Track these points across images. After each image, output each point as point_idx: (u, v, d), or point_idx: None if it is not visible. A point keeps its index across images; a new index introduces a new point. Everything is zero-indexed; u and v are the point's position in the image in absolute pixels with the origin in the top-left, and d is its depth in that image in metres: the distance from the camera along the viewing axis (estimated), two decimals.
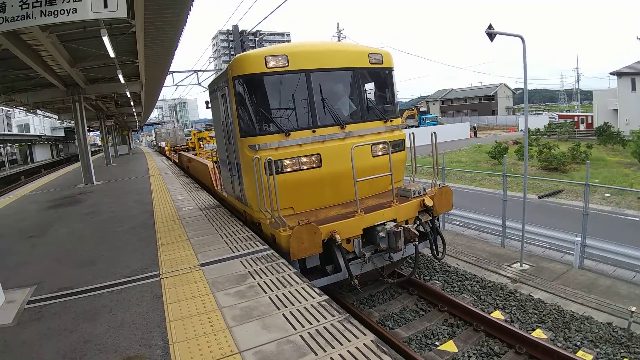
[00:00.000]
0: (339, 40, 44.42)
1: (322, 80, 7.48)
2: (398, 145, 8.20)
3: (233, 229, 7.66)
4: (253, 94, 7.25)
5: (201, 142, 22.91)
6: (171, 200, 11.28)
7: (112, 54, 9.95)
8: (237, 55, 7.54)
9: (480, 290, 8.17)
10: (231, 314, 4.28)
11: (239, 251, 6.31)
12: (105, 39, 8.61)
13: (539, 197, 19.25)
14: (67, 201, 13.37)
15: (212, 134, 22.23)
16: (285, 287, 4.85)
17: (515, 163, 27.34)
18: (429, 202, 7.46)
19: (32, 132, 72.56)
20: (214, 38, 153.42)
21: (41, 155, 66.01)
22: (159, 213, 9.59)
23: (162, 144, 46.65)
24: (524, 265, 9.53)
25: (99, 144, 67.00)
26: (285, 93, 7.41)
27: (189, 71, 34.64)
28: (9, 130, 67.52)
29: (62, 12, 5.13)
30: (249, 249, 6.41)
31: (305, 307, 4.32)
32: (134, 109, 29.81)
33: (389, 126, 8.17)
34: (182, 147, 40.88)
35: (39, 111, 28.17)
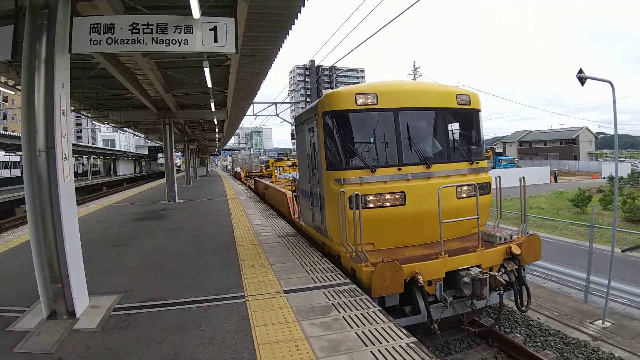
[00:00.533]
0: (414, 78, 44.46)
1: (409, 119, 7.51)
2: (483, 188, 7.87)
3: (313, 258, 7.69)
4: (341, 129, 7.38)
5: (278, 171, 23.55)
6: (250, 224, 11.60)
7: (209, 84, 10.60)
8: (327, 92, 7.75)
9: (564, 347, 7.65)
10: (318, 344, 4.23)
11: (321, 282, 6.29)
12: (207, 71, 9.20)
13: (622, 251, 17.78)
14: (151, 215, 14.17)
15: (289, 163, 22.88)
16: (371, 324, 4.72)
17: (599, 213, 25.49)
18: (516, 250, 7.13)
19: (117, 147, 78.27)
20: (291, 72, 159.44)
21: (124, 169, 70.90)
22: (239, 236, 9.87)
23: (238, 169, 48.42)
24: (605, 322, 8.90)
25: (178, 164, 70.83)
26: (372, 130, 7.51)
27: (267, 102, 36.10)
28: (93, 144, 73.20)
29: (174, 42, 5.32)
30: (330, 280, 6.38)
31: (393, 347, 4.18)
32: (217, 135, 31.41)
33: (475, 168, 7.97)
34: (256, 173, 42.27)
35: (126, 129, 30.40)
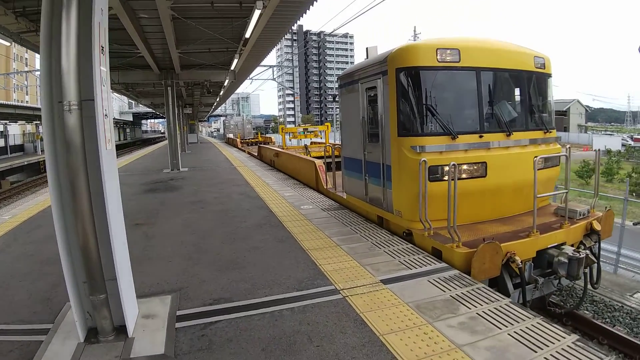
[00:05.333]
0: None
1: (491, 81, 6.85)
2: (554, 160, 7.49)
3: (382, 237, 6.56)
4: (420, 88, 6.51)
5: (288, 137, 22.24)
6: (280, 196, 10.35)
7: (249, 32, 9.13)
8: (401, 45, 6.81)
9: (632, 323, 7.55)
10: (481, 356, 3.20)
11: (414, 267, 5.23)
12: (257, 13, 7.76)
13: (634, 224, 17.43)
14: (161, 186, 12.78)
15: (300, 129, 21.52)
16: (518, 322, 3.77)
17: (602, 185, 25.03)
18: (597, 226, 6.74)
19: None
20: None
21: None
22: (277, 210, 8.63)
23: (231, 135, 46.98)
24: None
25: (162, 131, 68.71)
26: (452, 91, 6.76)
27: (265, 66, 34.49)
28: None
29: None
30: (424, 264, 5.33)
31: (564, 350, 3.27)
32: (217, 98, 29.60)
33: (548, 137, 7.39)
34: (252, 139, 40.90)
35: (118, 93, 28.48)
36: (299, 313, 3.95)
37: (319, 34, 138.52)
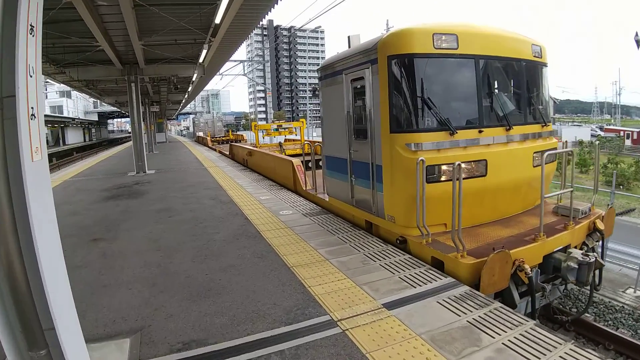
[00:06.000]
0: None
1: (490, 70, 6.25)
2: (552, 155, 7.04)
3: (374, 247, 5.83)
4: (415, 79, 5.78)
5: (261, 134, 21.23)
6: (256, 200, 9.48)
7: (218, 19, 8.18)
8: (393, 30, 6.10)
9: (635, 324, 7.34)
10: None
11: (417, 284, 4.53)
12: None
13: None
14: (124, 192, 11.72)
15: (274, 126, 20.60)
16: (550, 351, 3.15)
17: (576, 176, 25.11)
18: (600, 225, 6.38)
19: (65, 114, 72.61)
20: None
21: (73, 138, 65.86)
22: (253, 217, 7.78)
23: (201, 134, 45.58)
24: (637, 291, 8.85)
25: (129, 130, 66.47)
26: (449, 82, 6.13)
27: (235, 61, 33.37)
28: None
29: None
30: (427, 280, 4.63)
31: None
32: (186, 95, 28.27)
33: (545, 131, 6.91)
34: (222, 137, 39.68)
35: (74, 93, 26.96)
36: (291, 359, 3.14)
37: (289, 29, 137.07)
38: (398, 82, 5.75)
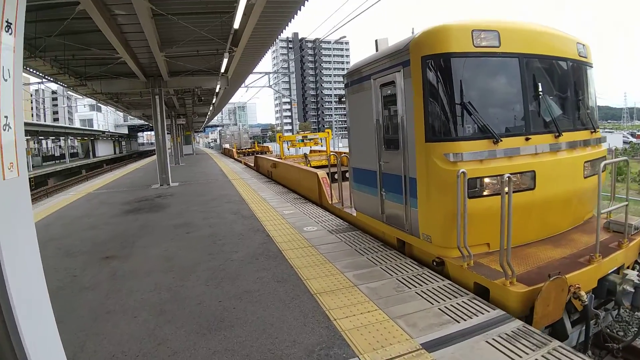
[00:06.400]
0: None
1: (535, 71, 5.53)
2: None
3: (408, 270, 5.21)
4: (454, 81, 5.14)
5: (286, 146, 20.86)
6: (279, 214, 8.98)
7: (237, 24, 7.79)
8: (427, 27, 5.43)
9: None
10: None
11: (460, 318, 3.87)
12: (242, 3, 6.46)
13: None
14: (145, 205, 11.41)
15: (299, 137, 20.17)
16: None
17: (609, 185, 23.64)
18: None
19: (95, 127, 74.35)
20: (273, 45, 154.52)
21: (103, 150, 67.31)
22: (275, 234, 7.26)
23: (227, 146, 45.69)
24: None
25: None
26: (491, 83, 5.48)
27: (260, 72, 33.30)
28: (70, 124, 69.07)
29: None
30: (472, 313, 3.96)
31: None
32: (210, 107, 28.24)
33: (593, 138, 6.19)
34: (248, 149, 39.62)
35: (104, 106, 27.24)
36: None
37: (314, 41, 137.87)
38: (434, 85, 5.16)
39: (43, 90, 71.37)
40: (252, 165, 23.53)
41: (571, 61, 5.89)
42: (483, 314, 3.95)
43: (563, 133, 5.51)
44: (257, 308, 4.24)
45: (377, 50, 7.10)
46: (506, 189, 4.21)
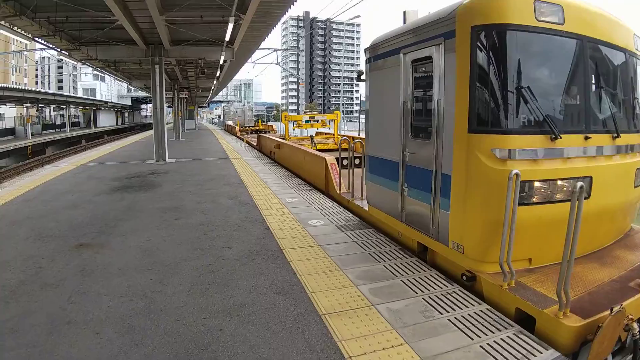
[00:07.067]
0: None
1: (598, 59, 4.62)
2: None
3: (436, 286, 4.30)
4: (509, 59, 4.15)
5: (292, 126, 19.80)
6: (280, 202, 8.05)
7: None
8: None
9: None
10: None
11: (501, 355, 2.97)
12: None
13: None
14: (136, 182, 10.48)
15: (306, 118, 19.10)
16: None
17: None
18: None
19: (98, 97, 73.18)
20: (283, 23, 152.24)
21: (105, 121, 66.37)
22: (276, 227, 6.35)
23: (230, 123, 44.60)
24: None
25: None
26: (551, 67, 4.47)
27: (269, 49, 32.11)
28: (74, 93, 67.98)
29: None
30: (523, 355, 3.07)
31: None
32: (215, 81, 27.06)
33: None
34: (252, 127, 38.61)
35: (107, 76, 26.17)
36: None
37: (325, 21, 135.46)
38: (485, 62, 4.16)
39: (49, 57, 70.14)
40: (255, 144, 22.54)
41: (629, 53, 4.97)
42: (535, 356, 3.07)
43: (621, 134, 4.63)
44: (250, 332, 3.32)
45: (404, 22, 6.11)
46: (577, 199, 3.30)
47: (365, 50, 6.53)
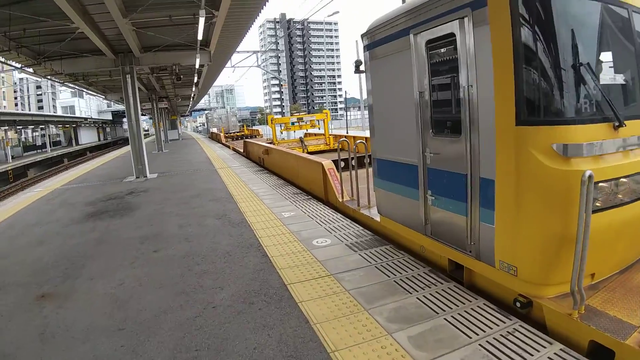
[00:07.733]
0: None
1: None
2: None
3: (492, 323, 3.30)
4: (564, 29, 3.23)
5: (279, 129, 18.74)
6: (276, 218, 7.02)
7: None
8: None
9: None
10: None
11: None
12: None
13: None
14: (111, 206, 9.35)
15: (293, 119, 18.04)
16: None
17: None
18: None
19: (77, 114, 71.34)
20: (260, 26, 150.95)
21: (87, 138, 64.62)
22: (275, 252, 5.32)
23: (215, 130, 43.49)
24: None
25: (146, 128, 65.02)
26: (604, 41, 3.55)
27: (248, 51, 31.20)
28: (54, 112, 66.24)
29: None
30: None
31: None
32: (194, 88, 25.82)
33: None
34: (237, 133, 37.63)
35: (85, 91, 24.87)
36: None
37: (302, 22, 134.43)
38: (533, 34, 3.19)
39: (27, 78, 68.16)
40: (242, 150, 21.49)
41: None
42: None
43: None
44: None
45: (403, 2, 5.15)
46: None
47: (363, 36, 5.51)
